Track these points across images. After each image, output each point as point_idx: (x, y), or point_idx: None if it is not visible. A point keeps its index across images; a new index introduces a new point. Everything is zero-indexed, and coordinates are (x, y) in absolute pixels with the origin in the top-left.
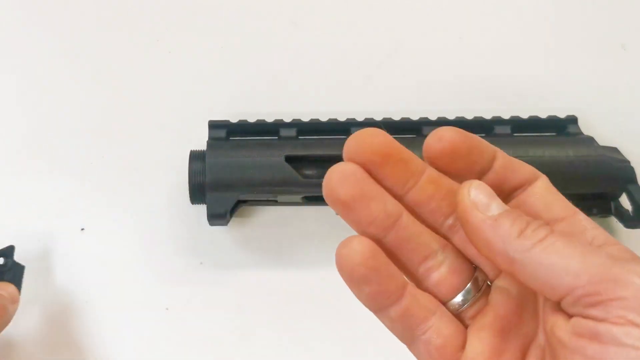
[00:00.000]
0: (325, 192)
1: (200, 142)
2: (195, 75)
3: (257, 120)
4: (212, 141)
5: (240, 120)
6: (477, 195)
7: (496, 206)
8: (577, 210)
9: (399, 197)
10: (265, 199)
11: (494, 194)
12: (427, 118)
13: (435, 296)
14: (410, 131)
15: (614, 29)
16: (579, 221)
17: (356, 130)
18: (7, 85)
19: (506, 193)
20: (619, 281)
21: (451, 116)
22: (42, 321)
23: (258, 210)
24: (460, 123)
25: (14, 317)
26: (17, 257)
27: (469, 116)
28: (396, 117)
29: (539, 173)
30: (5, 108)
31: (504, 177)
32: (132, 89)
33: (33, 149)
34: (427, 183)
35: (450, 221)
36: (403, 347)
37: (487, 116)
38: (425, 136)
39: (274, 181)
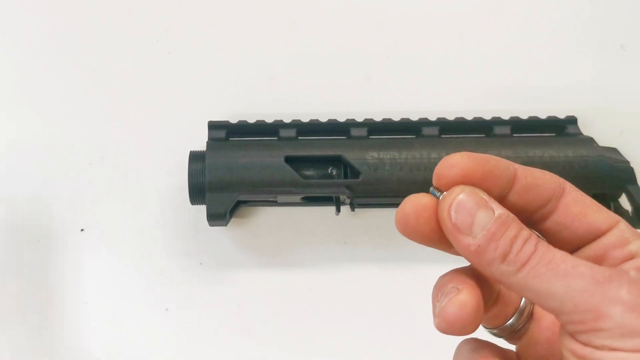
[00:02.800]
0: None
1: (200, 142)
2: (195, 75)
3: (257, 120)
4: (212, 142)
5: (240, 121)
6: (457, 217)
7: (479, 225)
8: (616, 218)
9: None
10: (265, 199)
11: (478, 200)
12: (426, 118)
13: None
14: (410, 131)
15: (613, 29)
16: (621, 232)
17: (355, 131)
18: (6, 86)
19: (531, 212)
20: (600, 312)
21: (451, 116)
22: (42, 321)
23: (258, 210)
24: (460, 123)
25: (14, 317)
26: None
27: (469, 116)
28: (396, 117)
29: (563, 182)
30: (5, 108)
31: (527, 198)
32: (131, 89)
33: (33, 149)
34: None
35: None
36: (403, 347)
37: (487, 116)
38: (425, 136)
39: (273, 182)
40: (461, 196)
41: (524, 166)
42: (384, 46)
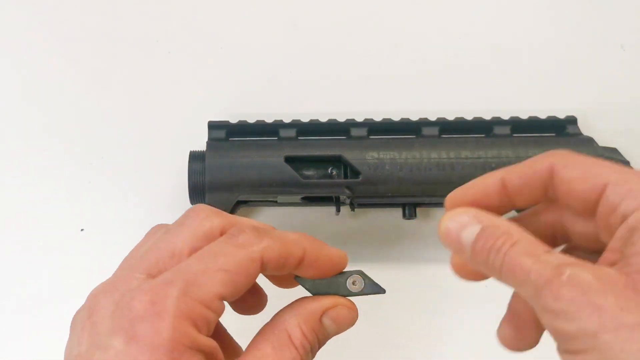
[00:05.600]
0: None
1: (200, 142)
2: (195, 75)
3: (257, 120)
4: (212, 142)
5: (239, 121)
6: (447, 242)
7: (466, 243)
8: (601, 181)
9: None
10: (265, 199)
11: (462, 222)
12: (426, 118)
13: None
14: (410, 131)
15: (613, 29)
16: (606, 199)
17: (355, 131)
18: (6, 86)
19: (548, 207)
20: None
21: (451, 116)
22: (41, 322)
23: (258, 210)
24: (460, 123)
25: (14, 317)
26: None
27: (469, 116)
28: (396, 117)
29: (549, 164)
30: (5, 109)
31: (525, 199)
32: (131, 89)
33: (32, 149)
34: None
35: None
36: (403, 347)
37: (487, 116)
38: (425, 136)
39: (273, 182)
40: (448, 223)
41: (509, 169)
42: (383, 46)
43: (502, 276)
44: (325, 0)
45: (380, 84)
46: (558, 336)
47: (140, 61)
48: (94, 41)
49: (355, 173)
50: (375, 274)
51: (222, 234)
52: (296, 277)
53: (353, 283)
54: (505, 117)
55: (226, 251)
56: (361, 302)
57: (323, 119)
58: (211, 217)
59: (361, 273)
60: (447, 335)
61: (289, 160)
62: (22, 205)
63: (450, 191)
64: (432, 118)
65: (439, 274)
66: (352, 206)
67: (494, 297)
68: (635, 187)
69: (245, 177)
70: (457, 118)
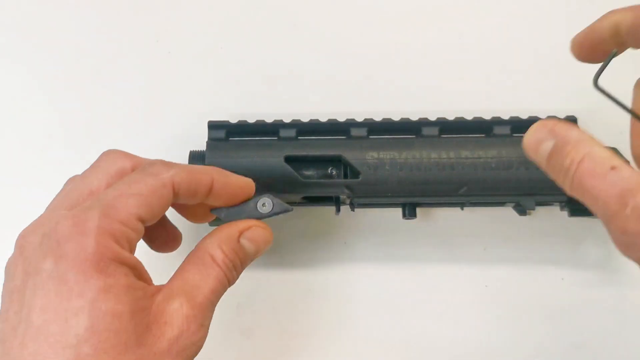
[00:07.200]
0: None
1: (200, 142)
2: (195, 75)
3: (257, 120)
4: (212, 142)
5: (239, 121)
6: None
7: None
8: None
9: None
10: None
11: (541, 137)
12: (426, 118)
13: None
14: (410, 131)
15: None
16: None
17: (355, 131)
18: (6, 86)
19: None
20: None
21: (451, 116)
22: None
23: None
24: (460, 123)
25: None
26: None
27: (469, 116)
28: (396, 117)
29: None
30: (4, 109)
31: None
32: (131, 89)
33: (32, 149)
34: None
35: None
36: (402, 347)
37: (487, 116)
38: (425, 136)
39: (273, 182)
40: (527, 138)
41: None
42: (384, 46)
43: (575, 194)
44: (325, 0)
45: (381, 84)
46: (635, 261)
47: (140, 61)
48: (94, 41)
49: (355, 173)
50: (376, 274)
51: (133, 171)
52: (212, 209)
53: (263, 205)
54: (505, 117)
55: (138, 179)
56: (359, 302)
57: (323, 119)
58: (122, 158)
59: (269, 195)
60: (447, 336)
61: (289, 160)
62: (22, 205)
63: (450, 191)
64: (432, 118)
65: (439, 274)
66: (352, 206)
67: (494, 297)
68: None
69: (245, 177)
70: (457, 118)
